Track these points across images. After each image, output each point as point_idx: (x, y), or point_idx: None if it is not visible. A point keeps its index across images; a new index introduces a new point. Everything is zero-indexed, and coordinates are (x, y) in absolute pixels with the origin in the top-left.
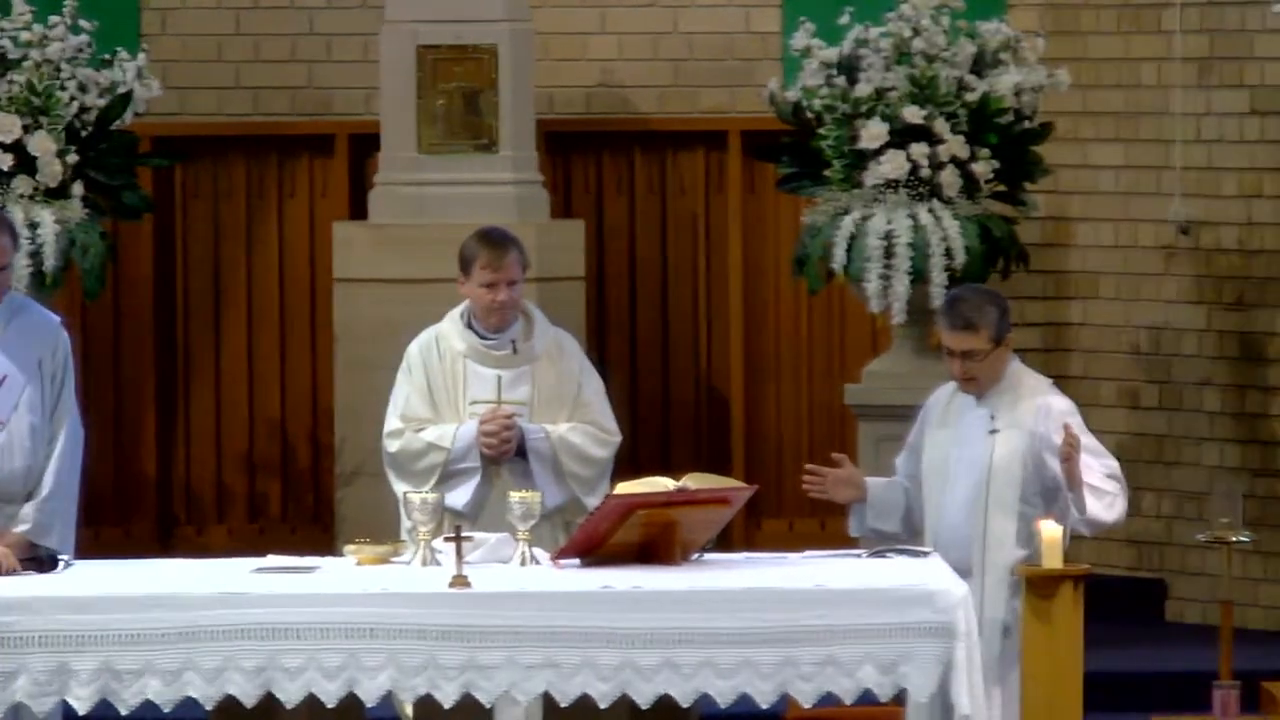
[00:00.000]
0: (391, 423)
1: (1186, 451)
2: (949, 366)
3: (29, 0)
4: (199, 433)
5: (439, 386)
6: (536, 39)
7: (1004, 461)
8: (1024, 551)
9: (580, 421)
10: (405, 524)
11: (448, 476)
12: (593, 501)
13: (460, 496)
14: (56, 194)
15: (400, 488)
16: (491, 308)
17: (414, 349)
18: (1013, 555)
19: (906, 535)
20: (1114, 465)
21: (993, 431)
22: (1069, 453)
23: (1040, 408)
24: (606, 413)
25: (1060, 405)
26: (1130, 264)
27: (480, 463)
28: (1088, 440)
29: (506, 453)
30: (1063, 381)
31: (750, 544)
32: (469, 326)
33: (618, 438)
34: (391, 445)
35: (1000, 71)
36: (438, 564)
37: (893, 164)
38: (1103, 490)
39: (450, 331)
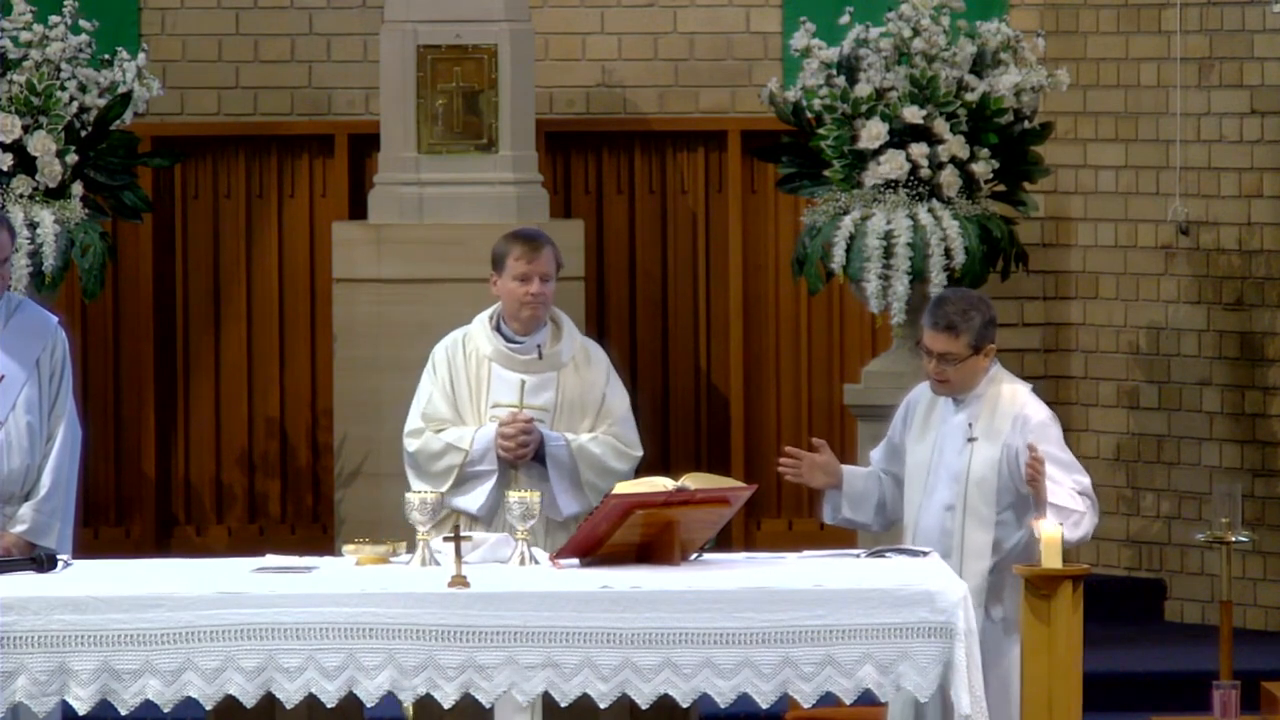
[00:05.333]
0: (413, 421)
1: (1186, 451)
2: (924, 364)
3: (29, 0)
4: (198, 432)
5: (461, 388)
6: (536, 39)
7: (980, 471)
8: (994, 559)
9: (603, 433)
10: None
11: (464, 479)
12: None
13: (475, 500)
14: (56, 194)
15: (418, 487)
16: (525, 301)
17: (440, 349)
18: (985, 565)
19: (880, 527)
20: (1085, 481)
21: (971, 439)
22: (1032, 475)
23: (1017, 419)
24: (630, 426)
25: (1038, 416)
26: (1130, 264)
27: (497, 466)
28: (1061, 454)
29: (523, 456)
30: (1063, 382)
31: (750, 544)
32: (497, 329)
33: (639, 452)
34: (411, 445)
35: (1000, 71)
36: (437, 564)
37: (892, 164)
38: (1069, 509)
39: (477, 333)
